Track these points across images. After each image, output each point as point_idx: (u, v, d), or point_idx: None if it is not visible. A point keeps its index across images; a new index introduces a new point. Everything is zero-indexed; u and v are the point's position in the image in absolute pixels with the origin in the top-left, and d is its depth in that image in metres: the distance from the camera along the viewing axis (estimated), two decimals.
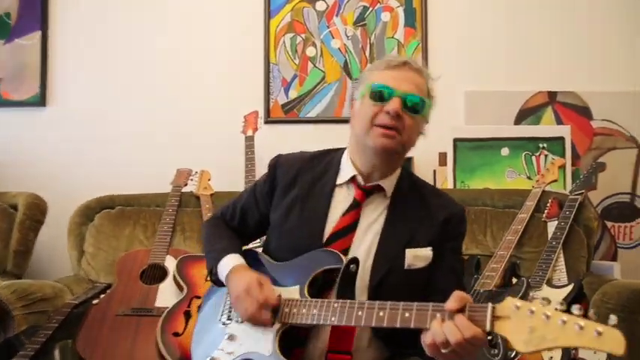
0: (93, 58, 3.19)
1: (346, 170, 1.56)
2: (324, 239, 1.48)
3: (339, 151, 1.63)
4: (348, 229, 1.49)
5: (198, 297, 2.13)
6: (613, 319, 0.93)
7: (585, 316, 0.95)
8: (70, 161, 3.14)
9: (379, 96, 1.45)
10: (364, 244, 1.47)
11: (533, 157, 2.96)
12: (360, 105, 1.51)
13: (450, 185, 2.93)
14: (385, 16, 3.17)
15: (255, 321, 1.41)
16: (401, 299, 1.26)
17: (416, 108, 1.45)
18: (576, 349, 1.97)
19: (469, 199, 2.66)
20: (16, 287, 2.24)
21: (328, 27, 3.17)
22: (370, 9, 3.16)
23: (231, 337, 1.48)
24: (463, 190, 2.86)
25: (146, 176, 2.99)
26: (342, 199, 1.54)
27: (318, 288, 1.42)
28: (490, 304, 1.08)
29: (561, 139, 2.97)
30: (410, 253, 1.48)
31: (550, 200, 2.53)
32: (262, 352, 1.39)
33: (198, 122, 3.12)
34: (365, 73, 1.56)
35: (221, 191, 2.75)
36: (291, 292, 1.43)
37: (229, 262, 1.53)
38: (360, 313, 1.28)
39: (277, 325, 1.40)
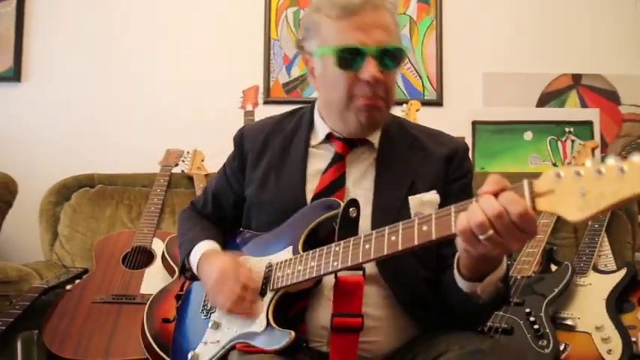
0: (73, 29, 2.91)
1: (320, 129, 1.36)
2: (309, 202, 1.27)
3: (307, 107, 1.42)
4: (334, 186, 1.27)
5: None
6: None
7: None
8: (44, 140, 2.84)
9: (349, 62, 1.20)
10: (359, 199, 1.20)
11: (559, 142, 2.82)
12: (324, 69, 1.27)
13: None
14: None
15: (238, 313, 1.21)
16: (413, 257, 1.17)
17: (395, 62, 1.23)
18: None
19: None
20: None
21: None
22: None
23: (215, 325, 1.28)
24: (483, 173, 2.64)
25: (131, 157, 2.73)
26: (320, 158, 1.33)
27: (315, 246, 1.16)
28: (525, 179, 0.87)
29: (589, 123, 2.83)
30: (414, 200, 1.25)
31: None
32: (254, 330, 1.17)
33: (191, 101, 2.86)
34: (314, 17, 1.27)
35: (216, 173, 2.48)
36: (283, 255, 1.22)
37: (199, 250, 1.35)
38: (367, 246, 1.04)
39: (269, 295, 1.19)
